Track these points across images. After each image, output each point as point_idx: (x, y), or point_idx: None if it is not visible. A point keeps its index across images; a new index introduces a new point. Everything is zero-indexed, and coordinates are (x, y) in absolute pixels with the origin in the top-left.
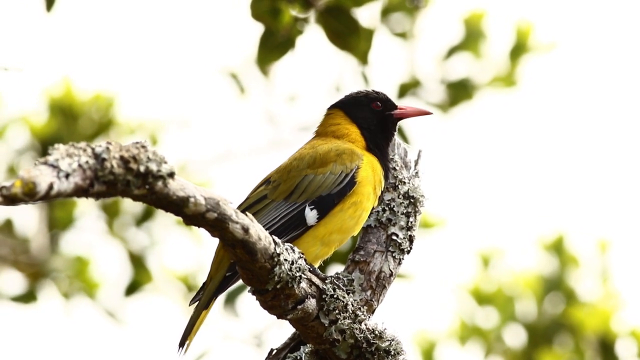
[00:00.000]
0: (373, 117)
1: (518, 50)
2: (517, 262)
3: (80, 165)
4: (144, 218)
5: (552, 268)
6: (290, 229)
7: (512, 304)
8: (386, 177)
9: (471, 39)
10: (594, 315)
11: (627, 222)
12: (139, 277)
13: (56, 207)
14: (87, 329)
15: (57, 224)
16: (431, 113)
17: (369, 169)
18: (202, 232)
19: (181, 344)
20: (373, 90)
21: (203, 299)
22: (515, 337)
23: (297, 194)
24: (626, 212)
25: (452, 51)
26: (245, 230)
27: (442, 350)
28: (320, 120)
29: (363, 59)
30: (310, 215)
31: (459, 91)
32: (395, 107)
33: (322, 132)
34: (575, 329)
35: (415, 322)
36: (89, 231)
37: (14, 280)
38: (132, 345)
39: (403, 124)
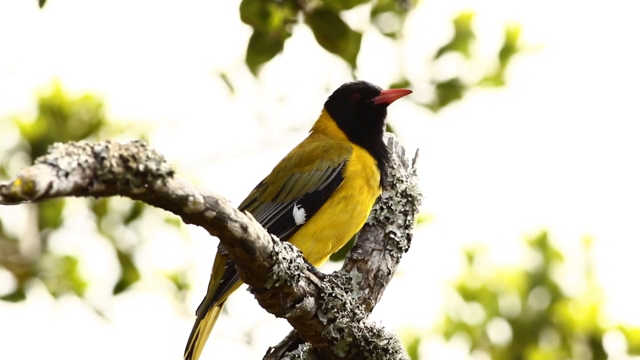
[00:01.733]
0: (350, 109)
1: (507, 51)
2: (501, 257)
3: (79, 164)
4: (132, 217)
5: (537, 263)
6: (280, 229)
7: (496, 300)
8: (381, 167)
9: (460, 39)
10: (580, 311)
11: (611, 217)
12: (127, 275)
13: (45, 206)
14: (75, 328)
15: (47, 224)
16: (411, 91)
17: (357, 164)
18: (190, 231)
19: (185, 355)
20: (352, 82)
21: (202, 308)
22: (500, 332)
23: (284, 194)
24: (610, 207)
25: (441, 51)
26: (244, 228)
27: (427, 346)
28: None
29: (352, 61)
30: (298, 214)
31: (449, 91)
32: (377, 94)
33: (313, 129)
34: (561, 325)
35: (400, 318)
36: (78, 230)
37: (3, 280)
38: (120, 344)
39: (393, 123)
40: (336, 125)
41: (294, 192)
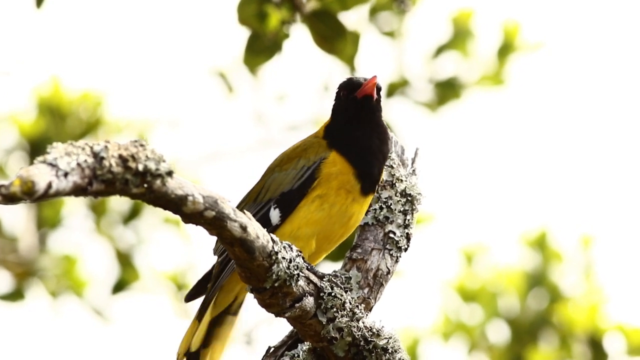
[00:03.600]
0: (340, 107)
1: (506, 50)
2: (500, 258)
3: (79, 164)
4: (131, 216)
5: (536, 264)
6: None
7: (495, 300)
8: (362, 176)
9: (459, 38)
10: (580, 311)
11: (610, 217)
12: (126, 275)
13: (44, 206)
14: (74, 328)
15: (45, 223)
16: (375, 76)
17: (333, 166)
18: (190, 231)
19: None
20: (348, 79)
21: (197, 311)
22: (499, 333)
23: (262, 194)
24: (609, 207)
25: (440, 50)
26: (244, 228)
27: (426, 346)
28: None
29: (350, 63)
30: (274, 214)
31: (447, 90)
32: (359, 86)
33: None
34: (560, 325)
35: (399, 318)
36: (76, 230)
37: (2, 279)
38: (119, 344)
39: (392, 122)
40: (324, 127)
41: (270, 192)
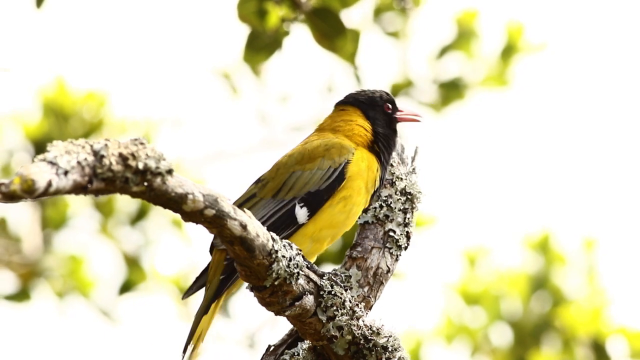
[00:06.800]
0: (384, 119)
1: (509, 50)
2: (503, 261)
3: (78, 162)
4: (138, 217)
5: (538, 267)
6: (282, 228)
7: (498, 303)
8: (381, 178)
9: (463, 38)
10: (582, 314)
11: (613, 220)
12: (133, 276)
13: (49, 206)
14: (81, 328)
15: (51, 223)
16: (419, 120)
17: (361, 164)
18: (193, 233)
19: (184, 350)
20: (383, 91)
21: (202, 304)
22: (502, 336)
23: (284, 191)
24: (612, 210)
25: (444, 51)
26: (244, 226)
27: (428, 349)
28: (329, 115)
29: (350, 60)
30: (301, 213)
31: (451, 91)
32: (397, 109)
33: (327, 126)
34: (563, 328)
35: (402, 321)
36: (82, 230)
37: (7, 280)
38: (126, 345)
39: None
40: (371, 129)
41: (294, 190)
